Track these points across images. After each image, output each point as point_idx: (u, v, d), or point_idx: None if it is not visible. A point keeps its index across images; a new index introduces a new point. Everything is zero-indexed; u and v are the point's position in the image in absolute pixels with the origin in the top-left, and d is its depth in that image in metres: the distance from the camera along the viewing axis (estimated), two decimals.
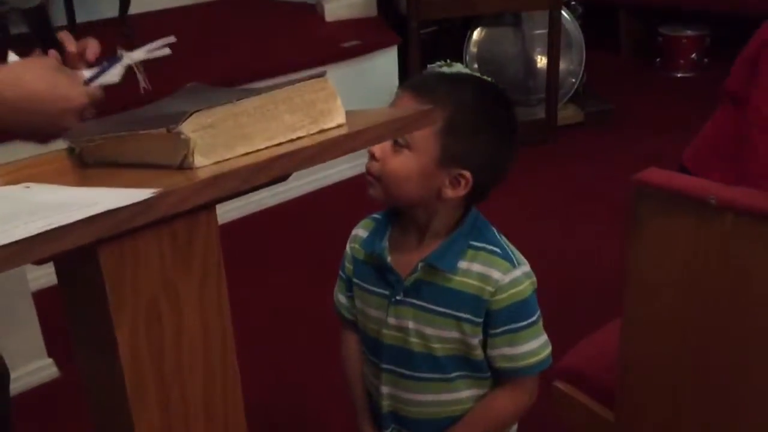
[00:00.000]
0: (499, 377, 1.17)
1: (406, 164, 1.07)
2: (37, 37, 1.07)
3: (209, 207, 0.74)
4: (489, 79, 1.17)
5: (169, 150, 0.72)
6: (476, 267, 1.11)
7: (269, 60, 3.50)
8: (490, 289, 1.10)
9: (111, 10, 3.98)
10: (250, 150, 0.75)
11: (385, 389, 1.19)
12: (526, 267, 1.13)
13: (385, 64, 3.66)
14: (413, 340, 1.14)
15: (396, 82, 3.63)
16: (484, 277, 1.10)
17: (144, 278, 0.73)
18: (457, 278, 1.11)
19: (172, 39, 1.02)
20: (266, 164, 0.71)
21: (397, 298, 1.14)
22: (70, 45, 1.01)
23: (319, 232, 2.98)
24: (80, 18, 4.17)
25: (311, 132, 0.79)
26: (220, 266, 0.80)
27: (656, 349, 1.32)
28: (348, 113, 0.83)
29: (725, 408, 1.27)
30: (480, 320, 1.11)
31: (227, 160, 0.73)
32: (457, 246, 1.11)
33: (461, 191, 1.08)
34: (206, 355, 0.81)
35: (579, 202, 3.12)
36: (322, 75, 0.81)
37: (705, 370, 1.26)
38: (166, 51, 1.04)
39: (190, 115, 0.70)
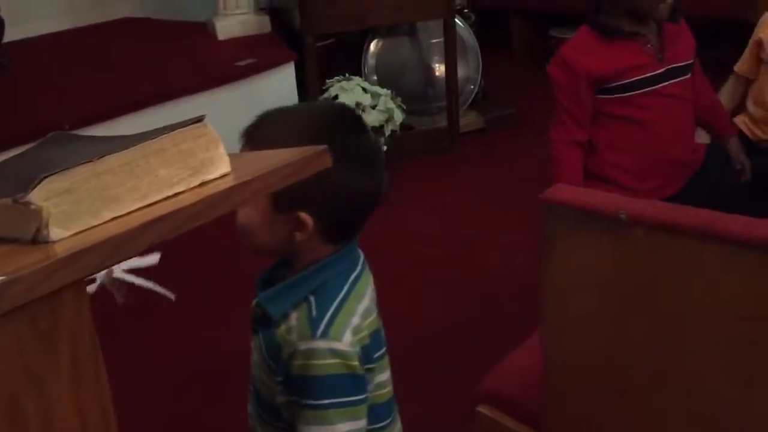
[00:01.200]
0: None
1: (248, 215, 1.01)
2: None
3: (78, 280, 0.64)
4: (343, 104, 1.11)
5: (19, 222, 0.61)
6: (293, 320, 1.02)
7: (158, 84, 3.34)
8: (287, 350, 1.01)
9: None
10: (120, 213, 0.65)
11: None
12: (336, 344, 0.99)
13: (282, 81, 3.56)
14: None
15: (295, 98, 3.54)
16: (290, 334, 1.01)
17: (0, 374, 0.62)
18: (282, 327, 1.02)
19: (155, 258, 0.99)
20: (136, 232, 0.61)
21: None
22: None
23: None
24: None
25: (192, 186, 0.70)
26: (94, 346, 0.69)
27: (577, 366, 1.29)
28: (232, 158, 0.75)
29: (648, 416, 1.25)
30: (278, 378, 1.03)
31: (92, 228, 0.63)
32: (292, 292, 1.02)
33: (306, 233, 1.00)
34: None
35: (488, 208, 3.12)
36: (200, 120, 0.72)
37: (625, 381, 1.23)
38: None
39: (41, 180, 0.59)
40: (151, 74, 3.51)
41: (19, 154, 0.77)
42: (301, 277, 1.03)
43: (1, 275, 0.54)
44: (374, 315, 1.07)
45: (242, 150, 1.02)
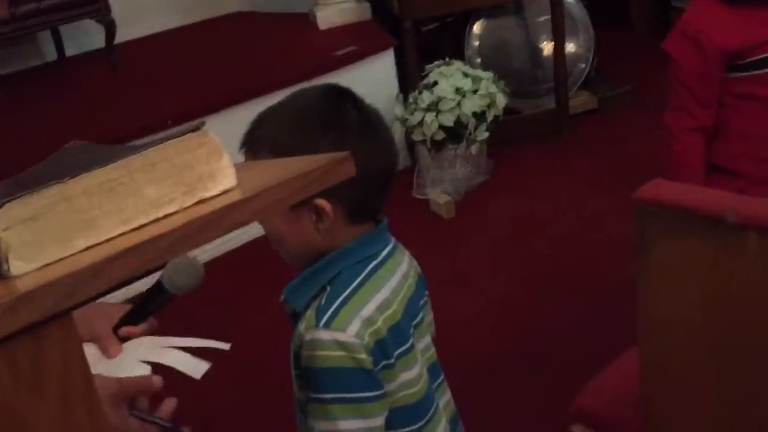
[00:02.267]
0: None
1: (271, 223, 0.96)
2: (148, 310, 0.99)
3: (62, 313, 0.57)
4: (332, 84, 1.03)
5: None
6: (309, 311, 0.96)
7: (260, 76, 3.34)
8: (295, 344, 0.97)
9: (99, 41, 3.85)
10: (97, 241, 0.57)
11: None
12: (340, 334, 0.92)
13: (381, 68, 3.47)
14: None
15: (395, 85, 3.44)
16: (301, 326, 0.96)
17: None
18: (301, 320, 0.97)
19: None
20: (107, 263, 0.53)
21: None
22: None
23: None
24: (69, 51, 4.06)
25: (186, 205, 0.61)
26: (88, 385, 0.62)
27: (680, 392, 1.12)
28: (242, 168, 0.65)
29: None
30: (297, 372, 0.99)
31: (62, 260, 0.55)
32: (312, 282, 0.97)
33: (330, 220, 0.94)
34: None
35: (598, 197, 2.90)
36: (199, 127, 0.63)
37: (741, 413, 1.05)
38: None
39: None
40: (254, 67, 3.52)
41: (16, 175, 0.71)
42: (320, 265, 0.97)
43: None
44: (394, 308, 0.98)
45: (246, 161, 0.95)
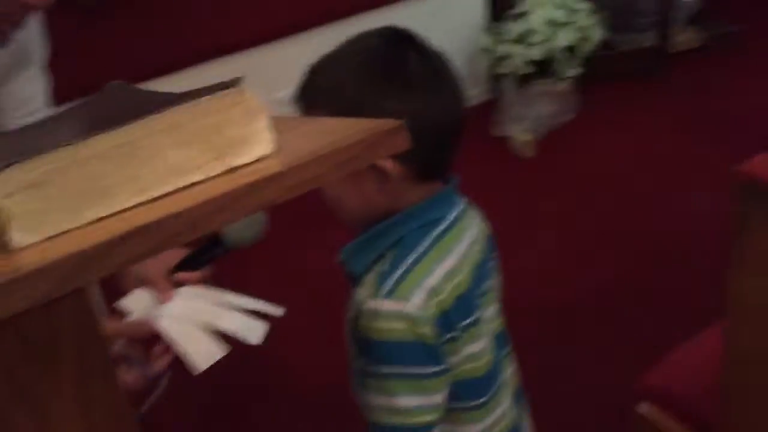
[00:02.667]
0: None
1: (332, 188, 0.89)
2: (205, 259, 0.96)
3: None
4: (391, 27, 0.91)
5: None
6: (369, 277, 0.89)
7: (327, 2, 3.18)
8: (353, 311, 0.90)
9: None
10: (110, 212, 0.51)
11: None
12: (404, 305, 0.84)
13: None
14: None
15: (482, 13, 3.25)
16: (360, 292, 0.89)
17: None
18: (359, 285, 0.90)
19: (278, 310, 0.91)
20: (117, 242, 0.46)
21: None
22: None
23: None
24: None
25: (213, 173, 0.54)
26: (104, 357, 0.57)
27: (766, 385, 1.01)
28: (283, 128, 0.57)
29: None
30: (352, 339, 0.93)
31: (69, 232, 0.49)
32: (373, 245, 0.89)
33: (394, 181, 0.86)
34: None
35: (694, 148, 2.69)
36: (236, 83, 0.55)
37: None
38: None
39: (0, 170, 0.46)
40: None
41: (52, 116, 0.65)
42: (383, 227, 0.89)
43: None
44: (461, 277, 0.90)
45: (303, 114, 0.86)
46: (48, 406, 0.56)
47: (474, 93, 3.25)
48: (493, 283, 1.01)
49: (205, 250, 0.99)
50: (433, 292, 0.86)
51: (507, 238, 2.37)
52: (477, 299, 0.94)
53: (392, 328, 0.84)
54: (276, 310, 0.90)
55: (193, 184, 0.53)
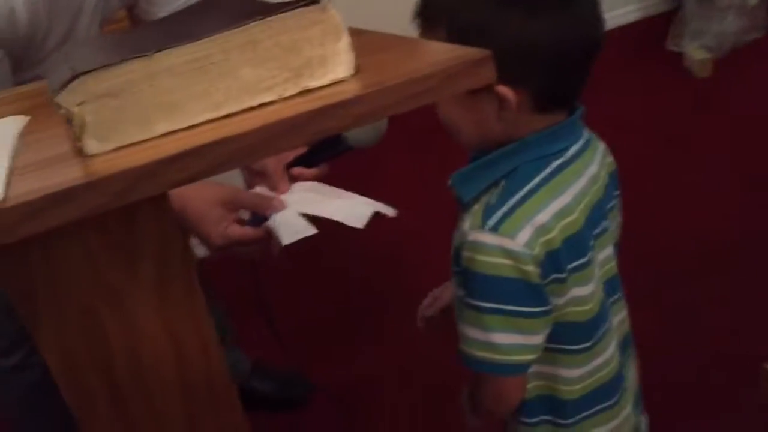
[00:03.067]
0: None
1: (446, 110, 0.82)
2: (323, 157, 1.01)
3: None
4: None
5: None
6: (476, 206, 0.84)
7: None
8: (458, 237, 0.85)
9: None
10: (179, 126, 0.51)
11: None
12: (508, 241, 0.80)
13: None
14: None
15: None
16: (464, 221, 0.85)
17: (66, 286, 0.56)
18: (466, 212, 0.85)
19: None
20: (176, 160, 0.47)
21: None
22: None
23: None
24: None
25: (287, 94, 0.52)
26: (186, 268, 0.60)
27: None
28: (374, 41, 0.54)
29: None
30: (456, 268, 0.88)
31: (140, 143, 0.50)
32: (486, 173, 0.84)
33: (513, 108, 0.79)
34: (180, 365, 0.64)
35: None
36: (317, 0, 0.52)
37: None
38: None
39: (74, 78, 0.47)
40: None
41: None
42: (496, 156, 0.84)
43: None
44: (575, 216, 0.84)
45: (419, 35, 0.80)
46: (129, 300, 0.59)
47: (653, 1, 2.98)
48: (612, 224, 0.94)
49: (324, 147, 0.99)
50: (542, 230, 0.81)
51: (669, 159, 2.23)
52: (590, 240, 0.88)
53: (495, 263, 0.81)
54: (389, 211, 0.89)
55: (264, 104, 0.52)
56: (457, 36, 0.76)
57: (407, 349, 1.68)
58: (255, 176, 1.06)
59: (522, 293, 0.82)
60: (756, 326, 1.60)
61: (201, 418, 0.67)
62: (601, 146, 0.92)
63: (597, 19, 0.82)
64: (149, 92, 0.50)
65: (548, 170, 0.83)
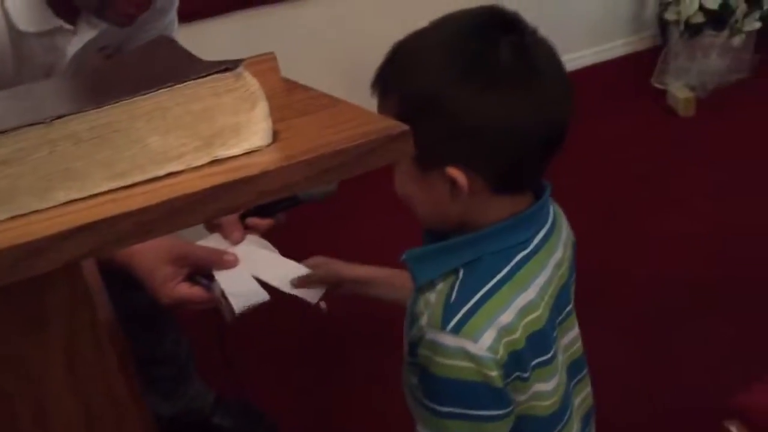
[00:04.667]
0: None
1: (400, 180, 0.79)
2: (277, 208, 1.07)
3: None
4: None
5: None
6: (434, 294, 0.79)
7: None
8: (415, 331, 0.80)
9: None
10: (81, 195, 0.49)
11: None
12: (470, 345, 0.74)
13: None
14: None
15: None
16: (419, 312, 0.80)
17: None
18: (425, 296, 0.81)
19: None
20: (45, 244, 0.44)
21: None
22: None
23: None
24: None
25: (195, 164, 0.50)
26: (94, 324, 0.57)
27: None
28: (296, 95, 0.52)
29: None
30: (407, 358, 0.84)
31: (35, 213, 0.48)
32: (444, 258, 0.79)
33: (463, 192, 0.75)
34: (90, 426, 0.62)
35: None
36: (234, 67, 0.50)
37: None
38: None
39: None
40: None
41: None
42: (455, 243, 0.79)
43: None
44: (539, 312, 0.79)
45: (378, 101, 0.78)
46: (39, 374, 0.57)
47: (639, 37, 2.99)
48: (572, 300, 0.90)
49: (278, 199, 0.99)
50: (505, 330, 0.76)
51: (646, 199, 2.22)
52: (554, 332, 0.83)
53: (456, 366, 0.75)
54: (313, 299, 0.90)
55: (171, 174, 0.50)
56: (408, 109, 0.73)
57: (374, 382, 1.65)
58: (210, 225, 1.04)
59: (484, 397, 0.77)
60: (729, 373, 1.58)
61: None
62: (563, 222, 0.88)
63: (563, 101, 0.76)
64: (48, 160, 0.48)
65: (511, 264, 0.78)
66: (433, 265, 0.80)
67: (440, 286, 0.79)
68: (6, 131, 0.47)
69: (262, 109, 0.51)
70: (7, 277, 0.45)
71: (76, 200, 0.48)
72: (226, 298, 0.93)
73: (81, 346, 0.58)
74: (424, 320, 0.79)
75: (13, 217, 0.48)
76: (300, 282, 1.01)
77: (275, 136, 0.52)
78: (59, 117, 0.47)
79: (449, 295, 0.77)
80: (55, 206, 0.48)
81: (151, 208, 0.47)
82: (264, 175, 0.47)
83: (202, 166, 0.50)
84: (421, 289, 0.81)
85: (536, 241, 0.80)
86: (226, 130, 0.51)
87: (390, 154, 0.50)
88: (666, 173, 2.31)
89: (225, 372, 1.44)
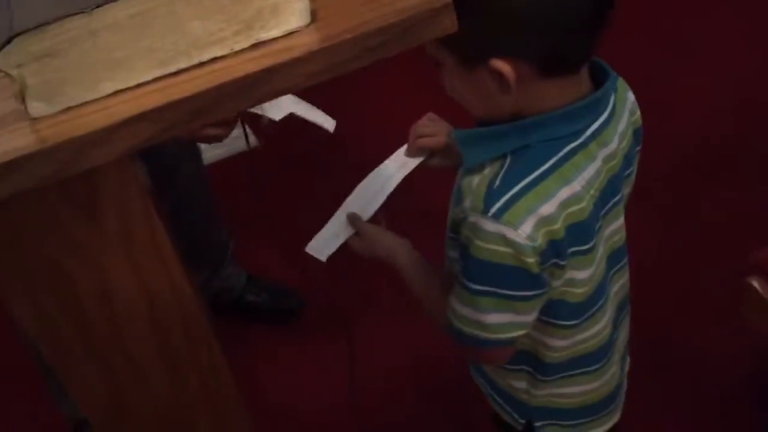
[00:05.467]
0: None
1: (450, 86, 0.75)
2: None
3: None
4: None
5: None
6: (479, 177, 0.78)
7: None
8: (458, 211, 0.80)
9: None
10: (128, 85, 0.49)
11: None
12: (510, 231, 0.75)
13: None
14: None
15: None
16: (464, 193, 0.79)
17: (30, 245, 0.56)
18: (472, 176, 0.80)
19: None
20: (102, 135, 0.45)
21: None
22: None
23: None
24: None
25: (238, 48, 0.50)
26: (147, 212, 0.59)
27: None
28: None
29: None
30: (452, 234, 0.84)
31: (86, 104, 0.48)
32: (495, 143, 0.78)
33: (514, 83, 0.72)
34: (152, 308, 0.65)
35: None
36: None
37: None
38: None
39: (10, 40, 0.45)
40: None
41: None
42: (507, 129, 0.77)
43: None
44: (583, 204, 0.78)
45: None
46: (95, 253, 0.59)
47: None
48: (626, 190, 0.89)
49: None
50: (546, 220, 0.76)
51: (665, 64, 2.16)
52: (597, 224, 0.83)
53: (494, 250, 0.76)
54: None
55: (213, 60, 0.50)
56: None
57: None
58: None
59: (521, 280, 0.78)
60: (750, 230, 1.60)
61: (178, 359, 0.69)
62: (625, 111, 0.85)
63: None
64: (92, 50, 0.48)
65: (559, 155, 0.77)
66: (481, 149, 0.79)
67: (487, 170, 0.79)
68: (47, 23, 0.46)
69: None
70: (67, 170, 0.46)
71: (123, 90, 0.49)
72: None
73: (137, 234, 0.60)
74: (467, 202, 0.80)
75: (66, 109, 0.48)
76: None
77: (313, 15, 0.52)
78: (99, 5, 0.47)
79: (493, 180, 0.78)
80: (103, 97, 0.49)
81: (201, 94, 0.47)
82: (310, 55, 0.47)
83: (245, 49, 0.50)
84: (469, 169, 0.81)
85: (588, 132, 0.78)
86: (264, 12, 0.50)
87: (434, 29, 0.49)
88: (691, 36, 2.24)
89: (260, 246, 1.49)
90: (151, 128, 0.47)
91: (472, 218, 0.77)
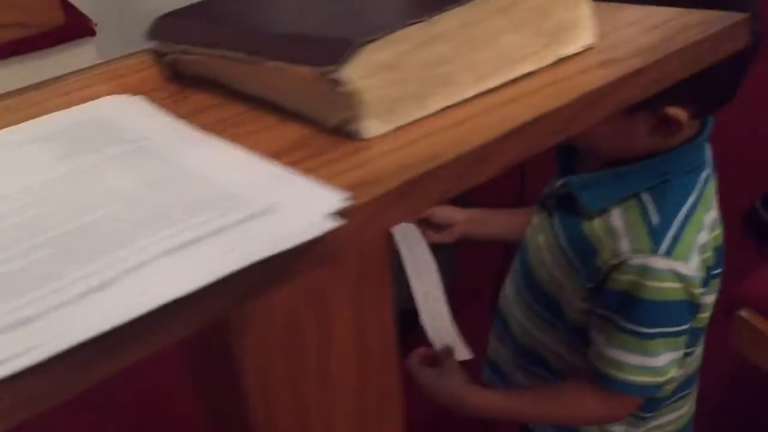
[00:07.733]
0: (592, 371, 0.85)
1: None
2: None
3: None
4: None
5: (318, 100, 0.43)
6: (617, 220, 0.78)
7: None
8: (608, 257, 0.78)
9: None
10: (454, 101, 0.45)
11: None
12: (682, 266, 0.76)
13: None
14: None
15: None
16: (613, 237, 0.78)
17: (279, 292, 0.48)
18: (596, 223, 0.80)
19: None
20: (498, 143, 0.41)
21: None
22: None
23: None
24: None
25: (544, 64, 0.48)
26: (382, 260, 0.53)
27: None
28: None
29: None
30: (586, 284, 0.82)
31: (414, 123, 0.44)
32: (618, 184, 0.78)
33: (679, 131, 0.74)
34: (360, 372, 0.58)
35: None
36: None
37: None
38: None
39: (356, 48, 0.40)
40: None
41: None
42: (638, 168, 0.78)
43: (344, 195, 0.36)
44: (721, 227, 0.83)
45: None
46: (329, 301, 0.52)
47: None
48: None
49: None
50: (702, 249, 0.79)
51: None
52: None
53: (667, 288, 0.77)
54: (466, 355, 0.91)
55: (525, 76, 0.47)
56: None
57: None
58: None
59: (687, 313, 0.79)
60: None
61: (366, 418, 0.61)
62: None
63: (758, 12, 0.75)
64: (425, 63, 0.43)
65: (699, 183, 0.79)
66: (605, 192, 0.79)
67: (620, 212, 0.79)
68: (391, 32, 0.41)
69: (589, 2, 0.50)
70: (459, 187, 0.40)
71: (449, 107, 0.44)
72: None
73: (368, 282, 0.53)
74: (623, 245, 0.78)
75: (397, 128, 0.43)
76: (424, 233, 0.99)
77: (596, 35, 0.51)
78: (433, 14, 0.43)
79: (646, 218, 0.78)
80: (431, 114, 0.44)
81: (565, 107, 0.43)
82: (648, 67, 0.46)
83: (551, 65, 0.48)
84: (589, 216, 0.81)
85: (710, 159, 0.82)
86: (565, 26, 0.48)
87: (729, 45, 0.50)
88: None
89: None
90: (522, 144, 0.42)
91: (638, 260, 0.76)
